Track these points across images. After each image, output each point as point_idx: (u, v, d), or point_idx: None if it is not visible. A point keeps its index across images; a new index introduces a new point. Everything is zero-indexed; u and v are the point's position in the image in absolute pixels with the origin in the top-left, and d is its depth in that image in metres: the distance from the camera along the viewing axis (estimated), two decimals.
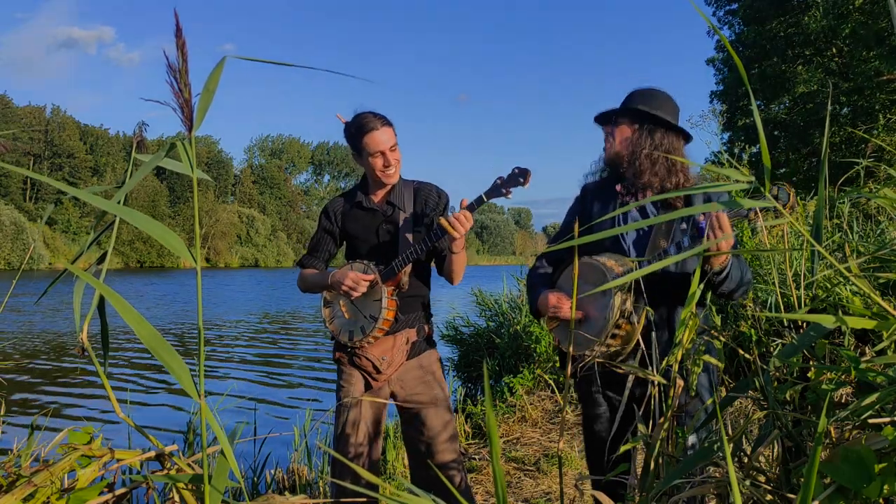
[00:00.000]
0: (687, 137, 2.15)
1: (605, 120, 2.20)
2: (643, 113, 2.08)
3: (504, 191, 2.24)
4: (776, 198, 1.65)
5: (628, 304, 1.93)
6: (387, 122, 2.42)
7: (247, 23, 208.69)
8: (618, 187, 2.14)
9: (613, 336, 1.93)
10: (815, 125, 19.15)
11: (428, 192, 2.52)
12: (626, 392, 1.37)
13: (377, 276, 2.40)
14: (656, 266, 1.02)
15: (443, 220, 2.23)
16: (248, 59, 0.97)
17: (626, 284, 1.93)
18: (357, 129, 2.40)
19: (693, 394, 1.35)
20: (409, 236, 2.45)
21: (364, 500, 2.42)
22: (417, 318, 2.51)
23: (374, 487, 2.27)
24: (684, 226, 2.01)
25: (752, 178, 0.97)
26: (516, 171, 2.23)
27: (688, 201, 2.06)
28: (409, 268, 2.42)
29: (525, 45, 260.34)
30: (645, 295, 1.90)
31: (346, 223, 2.56)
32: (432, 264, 2.59)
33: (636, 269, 1.87)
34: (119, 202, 1.03)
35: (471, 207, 2.25)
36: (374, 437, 2.49)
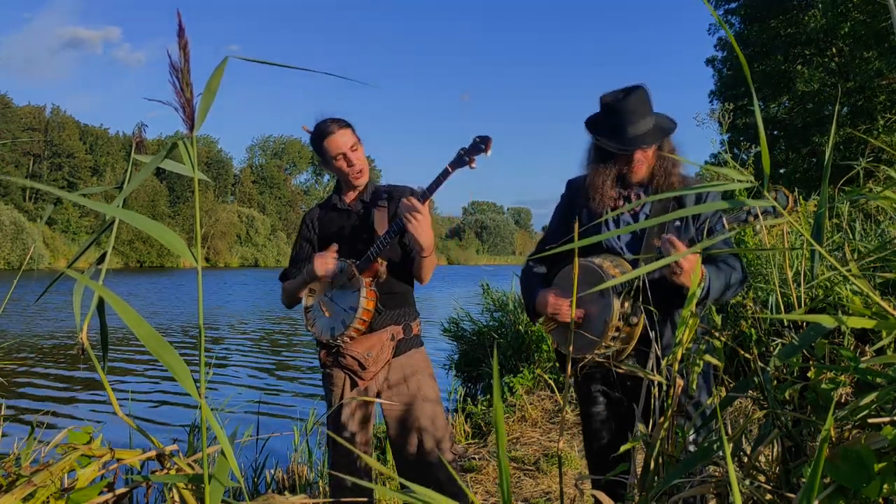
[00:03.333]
0: None
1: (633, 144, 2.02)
2: (667, 130, 2.04)
3: (468, 159, 2.23)
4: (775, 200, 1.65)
5: (626, 307, 1.92)
6: (344, 125, 2.43)
7: (253, 22, 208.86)
8: (613, 191, 2.09)
9: (613, 338, 1.93)
10: (815, 125, 19.12)
11: (402, 192, 2.51)
12: (643, 393, 1.37)
13: (353, 268, 2.39)
14: (652, 267, 1.02)
15: (404, 201, 2.23)
16: (249, 59, 0.97)
17: (624, 287, 1.93)
18: (317, 136, 2.43)
19: (693, 394, 1.35)
20: (383, 231, 2.44)
21: (365, 500, 2.43)
22: (403, 315, 2.48)
23: (370, 488, 2.28)
24: (678, 223, 2.00)
25: (751, 178, 0.97)
26: (477, 139, 2.23)
27: (679, 202, 2.05)
28: (384, 258, 2.41)
29: (527, 45, 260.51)
30: (647, 294, 1.89)
31: (322, 228, 2.58)
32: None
33: (632, 271, 1.86)
34: (119, 205, 1.03)
35: (437, 182, 2.25)
36: (365, 438, 2.48)
